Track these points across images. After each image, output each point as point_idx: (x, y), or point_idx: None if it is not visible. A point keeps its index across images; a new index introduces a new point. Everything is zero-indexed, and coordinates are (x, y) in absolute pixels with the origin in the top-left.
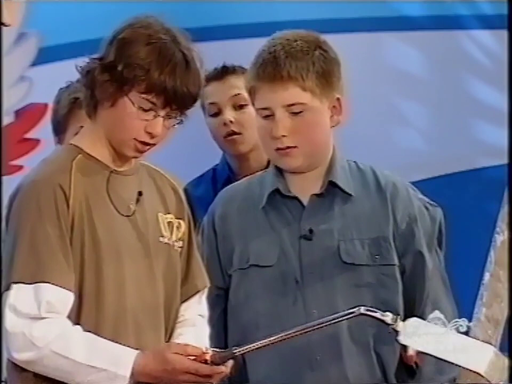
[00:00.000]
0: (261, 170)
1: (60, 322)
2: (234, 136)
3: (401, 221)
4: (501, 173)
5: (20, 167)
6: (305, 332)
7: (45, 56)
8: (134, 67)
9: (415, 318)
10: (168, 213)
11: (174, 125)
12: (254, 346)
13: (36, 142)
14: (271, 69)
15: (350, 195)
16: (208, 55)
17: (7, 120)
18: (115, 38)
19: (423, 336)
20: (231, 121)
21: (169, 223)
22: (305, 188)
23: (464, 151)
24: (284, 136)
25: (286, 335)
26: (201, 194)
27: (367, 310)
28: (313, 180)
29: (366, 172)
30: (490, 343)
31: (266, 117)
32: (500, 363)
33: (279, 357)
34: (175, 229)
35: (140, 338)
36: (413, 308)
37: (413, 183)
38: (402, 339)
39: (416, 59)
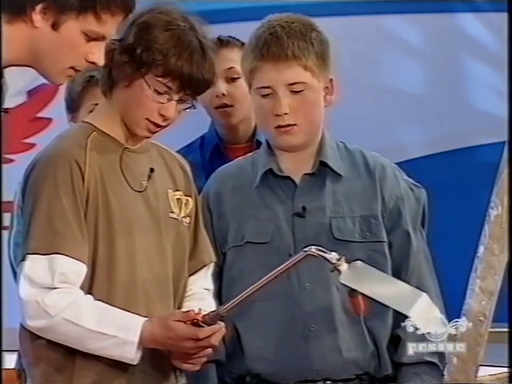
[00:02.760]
0: (248, 139)
1: (72, 291)
2: (226, 109)
3: (388, 200)
4: (497, 150)
5: (32, 145)
6: (274, 278)
7: None
8: (153, 51)
9: (360, 262)
10: (177, 190)
11: (185, 109)
12: (235, 301)
13: (48, 120)
14: (276, 48)
15: (340, 175)
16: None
17: (20, 99)
18: (135, 21)
19: (364, 278)
20: (223, 94)
21: (178, 199)
22: (297, 167)
23: (461, 129)
24: (286, 114)
25: (259, 284)
26: (190, 162)
27: (317, 250)
28: (304, 160)
29: (355, 152)
30: (484, 314)
31: (265, 95)
32: (431, 312)
33: (273, 329)
34: (183, 205)
35: (150, 308)
36: None
37: (410, 161)
38: (343, 278)
39: (417, 41)
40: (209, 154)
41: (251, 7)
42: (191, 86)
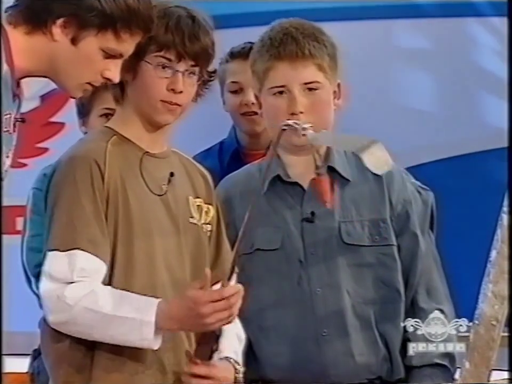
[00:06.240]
0: (267, 147)
1: (90, 283)
2: (254, 116)
3: (396, 204)
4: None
5: (45, 150)
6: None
7: None
8: None
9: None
10: (198, 197)
11: (201, 87)
12: (238, 242)
13: (61, 125)
14: (292, 47)
15: (348, 180)
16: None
17: (33, 104)
18: None
19: (329, 138)
20: (252, 103)
21: (198, 206)
22: (305, 173)
23: (472, 133)
24: (301, 112)
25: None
26: (208, 167)
27: (288, 123)
28: (312, 165)
29: None
30: (496, 318)
31: (279, 95)
32: (383, 157)
33: (286, 334)
34: (203, 213)
35: None
36: (407, 286)
37: (421, 165)
38: (310, 139)
39: (425, 46)
40: (228, 159)
41: (258, 13)
42: (188, 52)
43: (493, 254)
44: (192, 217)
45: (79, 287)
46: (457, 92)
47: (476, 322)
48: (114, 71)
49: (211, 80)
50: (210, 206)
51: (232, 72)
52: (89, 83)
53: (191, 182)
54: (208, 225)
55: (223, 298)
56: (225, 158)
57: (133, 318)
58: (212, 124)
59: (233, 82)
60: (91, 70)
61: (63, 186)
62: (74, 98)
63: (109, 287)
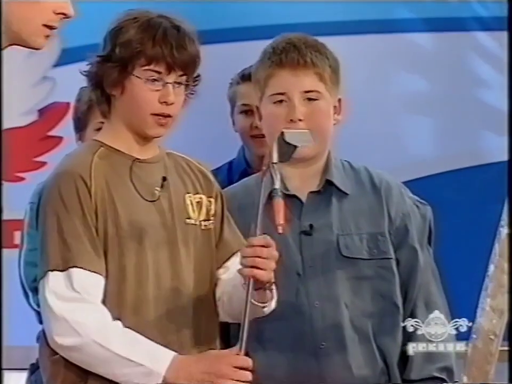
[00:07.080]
0: None
1: (100, 311)
2: (263, 139)
3: (395, 218)
4: (504, 169)
5: (43, 164)
6: None
7: (68, 57)
8: (129, 45)
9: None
10: (197, 193)
11: (187, 94)
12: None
13: (59, 139)
14: (294, 55)
15: (346, 193)
16: (220, 57)
17: (31, 118)
18: (109, 32)
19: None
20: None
21: (198, 202)
22: (303, 186)
23: (468, 147)
24: (300, 120)
25: None
26: None
27: None
28: (310, 178)
29: (360, 171)
30: (494, 332)
31: (278, 103)
32: (302, 134)
33: (284, 347)
34: (204, 208)
35: (163, 325)
36: (405, 300)
37: (418, 180)
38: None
39: (419, 60)
40: (236, 179)
41: (257, 27)
42: (177, 63)
43: (491, 268)
44: (189, 218)
45: (88, 314)
46: (457, 105)
47: (474, 336)
48: (66, 6)
49: (195, 85)
50: (211, 199)
51: (243, 95)
52: (46, 26)
53: (190, 180)
54: (209, 221)
55: (248, 369)
56: (234, 178)
57: (143, 365)
58: (221, 143)
59: (243, 104)
60: (39, 7)
61: (51, 204)
62: (39, 49)
63: (120, 324)
